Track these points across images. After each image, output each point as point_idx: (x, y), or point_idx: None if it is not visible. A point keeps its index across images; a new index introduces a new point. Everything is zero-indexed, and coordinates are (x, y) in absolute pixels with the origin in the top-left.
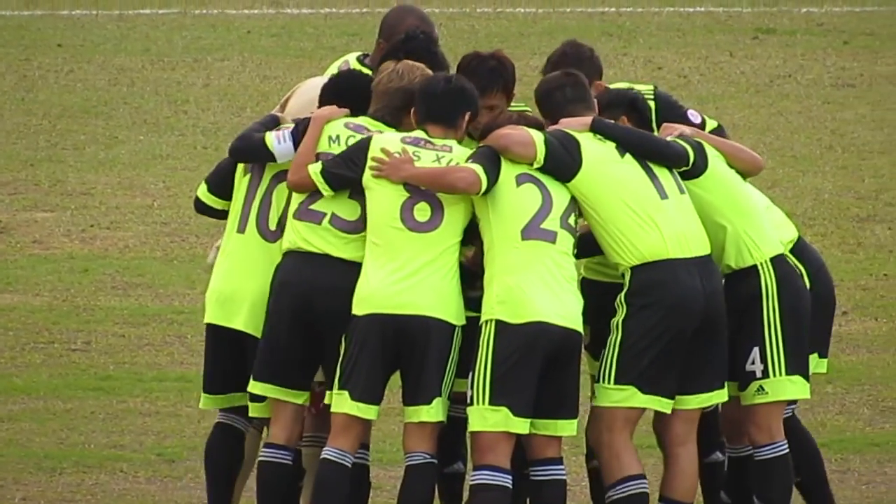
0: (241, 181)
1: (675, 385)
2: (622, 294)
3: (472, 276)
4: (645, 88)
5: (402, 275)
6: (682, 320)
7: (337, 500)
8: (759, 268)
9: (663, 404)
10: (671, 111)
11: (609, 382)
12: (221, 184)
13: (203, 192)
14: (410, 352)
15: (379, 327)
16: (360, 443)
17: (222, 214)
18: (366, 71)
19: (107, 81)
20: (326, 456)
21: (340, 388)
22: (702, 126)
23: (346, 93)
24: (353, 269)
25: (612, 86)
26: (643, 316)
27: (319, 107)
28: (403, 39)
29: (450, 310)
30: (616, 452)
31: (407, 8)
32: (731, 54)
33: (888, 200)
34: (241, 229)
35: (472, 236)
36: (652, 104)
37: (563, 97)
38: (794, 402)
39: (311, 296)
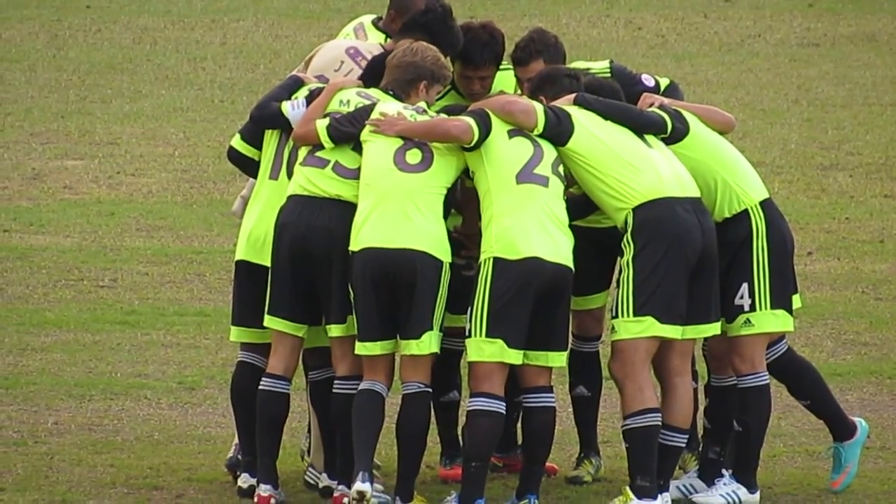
0: (272, 134)
1: (684, 312)
2: (627, 234)
3: (459, 246)
4: (600, 67)
5: (392, 212)
6: (685, 251)
7: (374, 424)
8: (750, 211)
9: (677, 332)
10: (628, 80)
11: (628, 315)
12: (253, 134)
13: (237, 142)
14: (402, 285)
15: (371, 262)
16: (389, 373)
17: (252, 165)
18: (380, 34)
19: (131, 40)
20: (362, 387)
21: (356, 331)
22: (656, 87)
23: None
24: (348, 212)
25: (572, 65)
26: (650, 250)
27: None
28: (423, 12)
29: (435, 245)
30: (640, 386)
31: None
32: (706, 15)
33: (849, 150)
34: (274, 176)
35: (462, 206)
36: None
37: (569, 85)
38: (782, 337)
39: (307, 236)
